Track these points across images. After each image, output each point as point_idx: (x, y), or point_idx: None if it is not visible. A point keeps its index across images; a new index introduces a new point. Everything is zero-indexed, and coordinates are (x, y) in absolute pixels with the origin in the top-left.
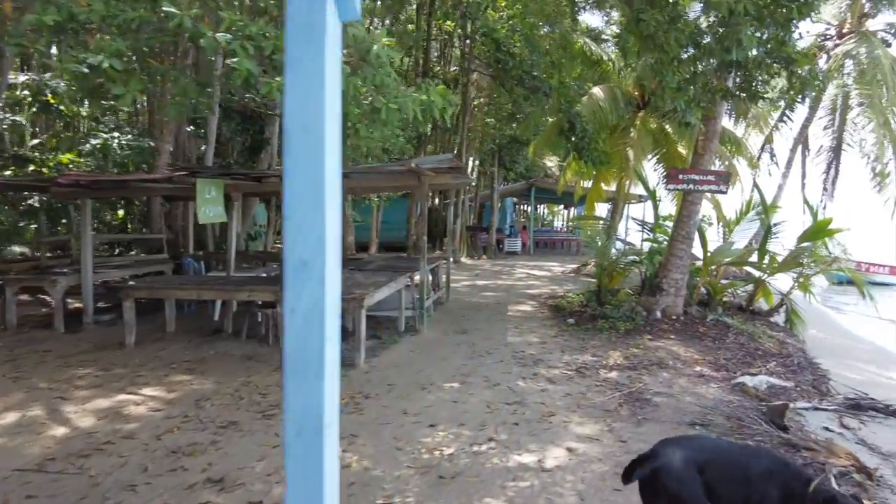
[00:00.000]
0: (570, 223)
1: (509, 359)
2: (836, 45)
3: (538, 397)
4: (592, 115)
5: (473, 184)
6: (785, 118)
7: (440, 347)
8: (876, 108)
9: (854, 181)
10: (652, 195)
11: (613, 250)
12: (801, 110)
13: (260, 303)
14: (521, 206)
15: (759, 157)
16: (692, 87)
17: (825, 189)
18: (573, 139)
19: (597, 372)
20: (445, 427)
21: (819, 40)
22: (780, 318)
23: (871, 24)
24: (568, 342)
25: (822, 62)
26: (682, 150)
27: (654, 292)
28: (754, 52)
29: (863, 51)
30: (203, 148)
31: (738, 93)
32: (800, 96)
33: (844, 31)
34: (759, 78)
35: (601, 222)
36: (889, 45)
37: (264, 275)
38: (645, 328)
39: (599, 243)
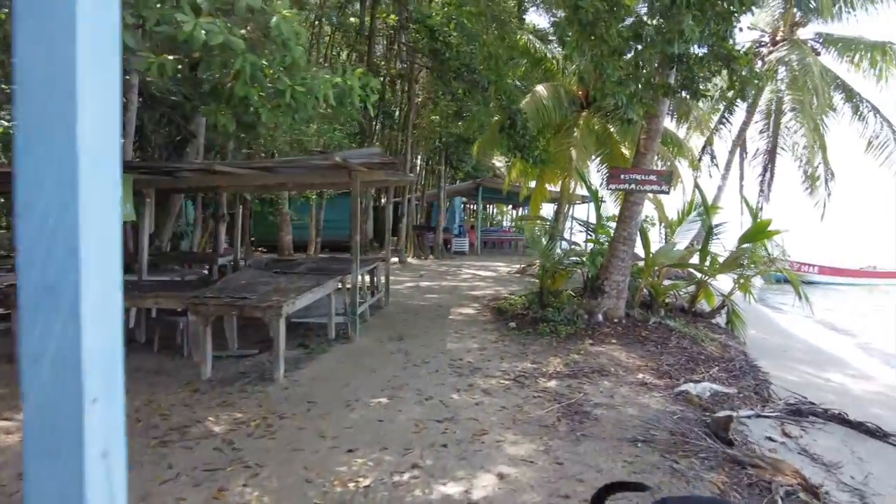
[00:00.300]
0: (514, 223)
1: (445, 368)
2: (770, 52)
3: (472, 412)
4: (536, 114)
5: (413, 180)
6: (724, 121)
7: (372, 357)
8: (807, 113)
9: (788, 184)
10: (594, 195)
11: (558, 251)
12: (739, 114)
13: (179, 310)
14: (471, 206)
15: (699, 159)
16: (634, 83)
17: (762, 191)
18: (514, 137)
19: (536, 381)
20: (366, 452)
21: (755, 46)
22: (721, 319)
23: (802, 33)
24: (508, 348)
25: (757, 68)
26: (625, 150)
27: (595, 294)
28: (696, 48)
29: (794, 58)
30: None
31: (679, 90)
32: (740, 96)
33: (778, 38)
34: (700, 75)
35: (544, 222)
36: (818, 54)
37: (179, 279)
38: (586, 332)
39: (542, 244)
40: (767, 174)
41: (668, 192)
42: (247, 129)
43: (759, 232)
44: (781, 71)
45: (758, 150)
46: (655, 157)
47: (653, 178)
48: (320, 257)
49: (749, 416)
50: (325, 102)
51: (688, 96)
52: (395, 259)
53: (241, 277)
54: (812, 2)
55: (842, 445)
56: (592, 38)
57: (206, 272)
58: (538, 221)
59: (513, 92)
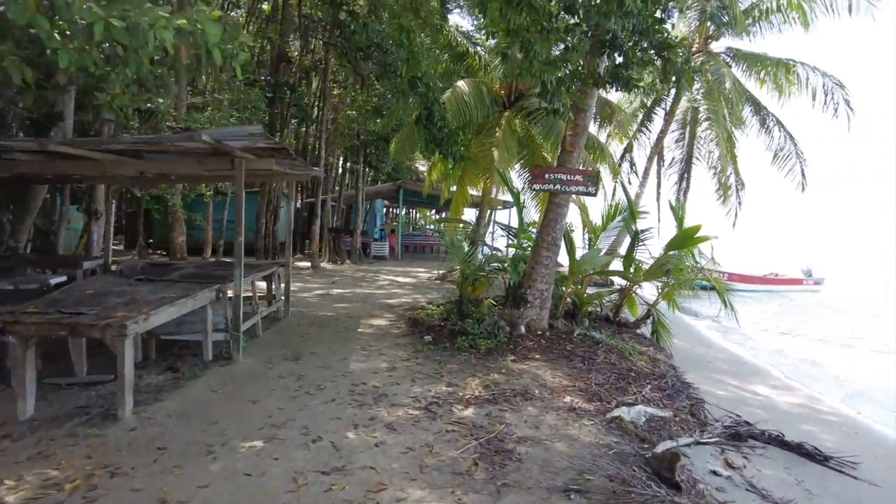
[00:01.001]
0: (432, 225)
1: (345, 396)
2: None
3: (369, 457)
4: (457, 110)
5: (321, 175)
6: (644, 128)
7: (256, 383)
8: (720, 123)
9: (702, 192)
10: (515, 198)
11: (479, 256)
12: (658, 122)
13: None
14: (393, 210)
15: (619, 165)
16: (563, 65)
17: (678, 199)
18: (432, 129)
19: (450, 409)
20: None
21: None
22: (646, 329)
23: (715, 47)
24: (421, 367)
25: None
26: (546, 155)
27: (518, 304)
28: (630, 28)
29: (710, 68)
30: None
31: (610, 80)
32: (676, 86)
33: (694, 49)
34: (633, 61)
35: (466, 226)
36: (730, 67)
37: (12, 288)
38: (508, 346)
39: (463, 249)
40: (683, 183)
41: (594, 194)
42: (85, 97)
43: (686, 238)
44: (697, 82)
45: (674, 158)
46: (581, 157)
47: (579, 178)
48: (206, 262)
49: (689, 444)
50: (164, 54)
51: (618, 88)
52: (308, 264)
53: (89, 286)
54: (725, 16)
55: (786, 474)
56: (518, 6)
57: (64, 279)
58: (459, 225)
59: (431, 78)
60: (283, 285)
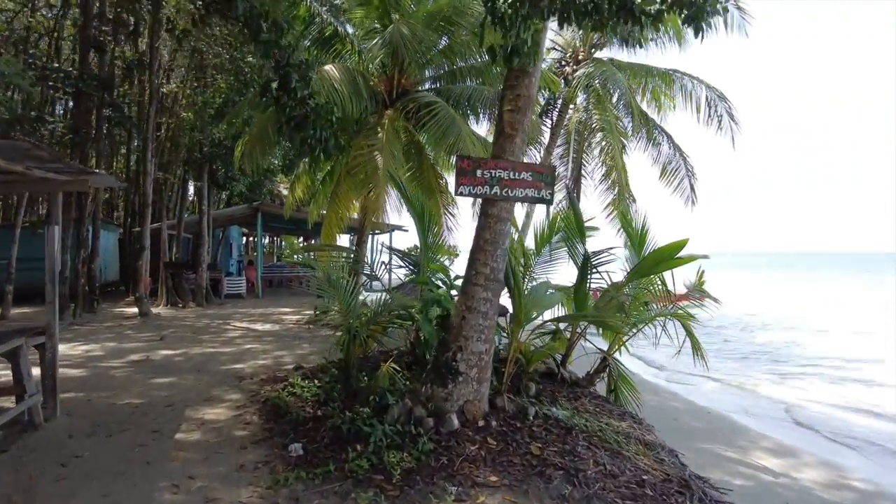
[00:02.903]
0: (295, 254)
1: None
2: (575, 70)
3: None
4: (328, 98)
5: (120, 186)
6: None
7: None
8: (614, 133)
9: (589, 209)
10: (417, 210)
11: (368, 297)
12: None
13: None
14: (253, 238)
15: None
16: None
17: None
18: (288, 105)
19: None
20: None
21: (556, 65)
22: (600, 385)
23: (599, 56)
24: None
25: (563, 87)
26: (439, 169)
27: (443, 378)
28: None
29: (597, 74)
30: None
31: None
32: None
33: (580, 57)
34: None
35: (341, 253)
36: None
37: None
38: (439, 461)
39: (342, 286)
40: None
41: (550, 201)
42: None
43: (661, 260)
44: (580, 98)
45: (559, 174)
46: (525, 145)
47: (527, 176)
48: None
49: None
50: None
51: (625, 22)
52: (135, 310)
53: None
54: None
55: None
56: None
57: None
58: (333, 253)
59: (291, 29)
60: (48, 363)
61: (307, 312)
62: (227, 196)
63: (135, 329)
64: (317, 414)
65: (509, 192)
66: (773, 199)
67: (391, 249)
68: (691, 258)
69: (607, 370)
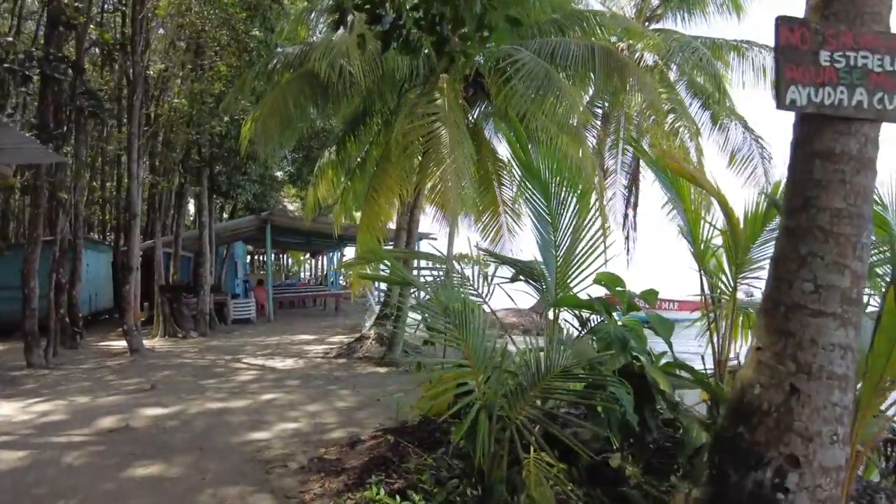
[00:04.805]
0: (342, 271)
1: None
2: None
3: None
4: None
5: (62, 159)
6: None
7: None
8: (688, 115)
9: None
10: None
11: (495, 343)
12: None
13: None
14: (259, 255)
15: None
16: None
17: (625, 216)
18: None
19: None
20: None
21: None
22: None
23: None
24: None
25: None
26: (504, 180)
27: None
28: None
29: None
30: None
31: None
32: None
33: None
34: None
35: (438, 266)
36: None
37: None
38: None
39: (470, 320)
40: (631, 196)
41: None
42: None
43: None
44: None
45: (607, 169)
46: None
47: None
48: None
49: None
50: None
51: None
52: (125, 344)
53: None
54: None
55: None
56: None
57: None
58: (403, 254)
59: None
60: None
61: (333, 340)
62: (230, 208)
63: (119, 373)
64: None
65: (888, 100)
66: None
67: (495, 256)
68: None
69: None
